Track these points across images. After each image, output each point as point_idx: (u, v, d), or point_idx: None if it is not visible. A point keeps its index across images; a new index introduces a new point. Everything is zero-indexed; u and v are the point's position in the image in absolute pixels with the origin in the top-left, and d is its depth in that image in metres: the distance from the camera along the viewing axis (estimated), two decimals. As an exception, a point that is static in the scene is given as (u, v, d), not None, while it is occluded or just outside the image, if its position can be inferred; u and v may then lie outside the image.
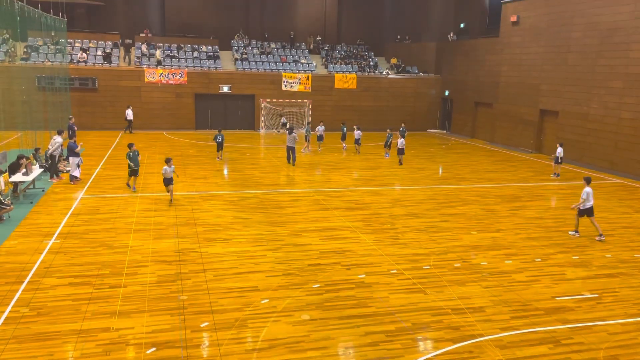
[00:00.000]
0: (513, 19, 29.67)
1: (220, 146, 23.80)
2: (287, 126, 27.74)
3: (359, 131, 27.09)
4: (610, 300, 10.06)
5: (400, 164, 23.87)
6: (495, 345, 8.27)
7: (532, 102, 28.49)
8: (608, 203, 17.99)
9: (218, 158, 23.88)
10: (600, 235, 13.77)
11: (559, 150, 22.08)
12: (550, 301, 9.92)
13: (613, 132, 23.30)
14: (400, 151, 24.06)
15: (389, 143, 26.27)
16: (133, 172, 17.54)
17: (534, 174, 22.69)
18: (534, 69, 28.27)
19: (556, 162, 22.24)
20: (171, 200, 16.15)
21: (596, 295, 10.26)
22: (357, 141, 27.00)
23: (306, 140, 27.23)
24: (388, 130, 27.29)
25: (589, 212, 13.81)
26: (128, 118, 31.98)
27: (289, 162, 23.46)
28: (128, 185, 17.73)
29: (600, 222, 15.44)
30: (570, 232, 14.32)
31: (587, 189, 13.72)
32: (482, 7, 36.87)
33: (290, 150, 23.09)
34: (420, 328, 8.75)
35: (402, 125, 28.10)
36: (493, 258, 12.18)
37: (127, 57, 34.63)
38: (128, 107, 31.99)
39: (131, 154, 17.42)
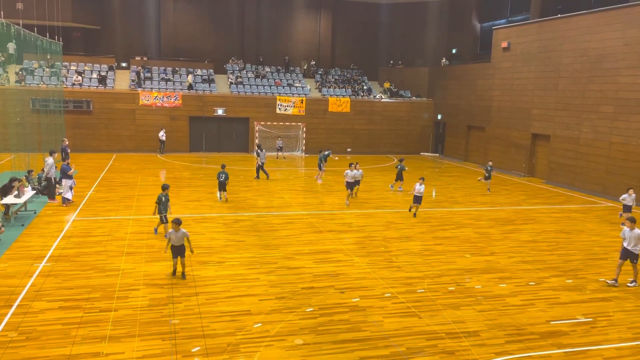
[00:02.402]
0: (504, 44, 30.17)
1: (223, 186, 19.71)
2: (257, 145, 27.92)
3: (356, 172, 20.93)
4: (605, 325, 10.02)
5: (413, 213, 18.78)
6: (490, 370, 8.19)
7: (524, 126, 28.78)
8: (600, 227, 18.06)
9: (220, 199, 19.86)
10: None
11: (630, 197, 18.12)
12: (545, 325, 9.87)
13: (604, 156, 23.53)
14: (417, 199, 18.37)
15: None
16: (162, 219, 14.76)
17: (526, 197, 22.79)
18: (525, 93, 28.64)
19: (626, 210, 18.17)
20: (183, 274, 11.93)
21: (591, 319, 10.22)
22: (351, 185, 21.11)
23: (320, 169, 25.39)
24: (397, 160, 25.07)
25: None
26: (161, 139, 32.94)
27: (265, 177, 25.10)
28: (155, 231, 15.09)
29: (592, 246, 15.49)
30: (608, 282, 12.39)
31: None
32: (474, 33, 37.51)
33: (260, 169, 25.08)
34: (415, 353, 8.66)
35: (489, 163, 24.10)
36: (487, 281, 12.15)
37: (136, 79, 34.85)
38: (162, 129, 33.13)
39: (163, 198, 14.67)
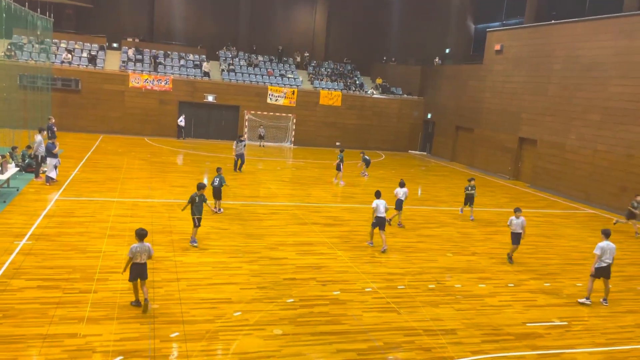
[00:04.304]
0: (497, 47, 30.33)
1: (217, 193, 16.37)
2: (239, 135, 25.90)
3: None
4: (579, 329, 10.21)
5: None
6: (465, 368, 8.31)
7: (512, 130, 29.03)
8: (581, 233, 18.32)
9: (215, 209, 16.31)
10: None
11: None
12: (521, 327, 10.03)
13: (589, 164, 23.83)
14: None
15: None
16: (195, 222, 13.03)
17: (509, 200, 23.02)
18: (515, 97, 28.86)
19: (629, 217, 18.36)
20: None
21: (566, 323, 10.40)
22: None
23: (338, 170, 23.29)
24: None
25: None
26: (180, 124, 33.21)
27: (235, 170, 23.53)
28: (194, 241, 13.10)
29: (571, 251, 15.73)
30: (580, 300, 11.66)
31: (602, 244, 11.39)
32: (468, 34, 37.63)
33: (240, 158, 23.54)
34: (392, 348, 8.75)
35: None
36: (467, 281, 12.29)
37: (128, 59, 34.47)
38: (181, 115, 33.30)
39: (197, 197, 12.98)
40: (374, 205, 13.97)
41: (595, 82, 23.72)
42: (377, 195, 14.32)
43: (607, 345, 9.59)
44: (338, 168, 23.29)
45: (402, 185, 16.71)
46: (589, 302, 11.42)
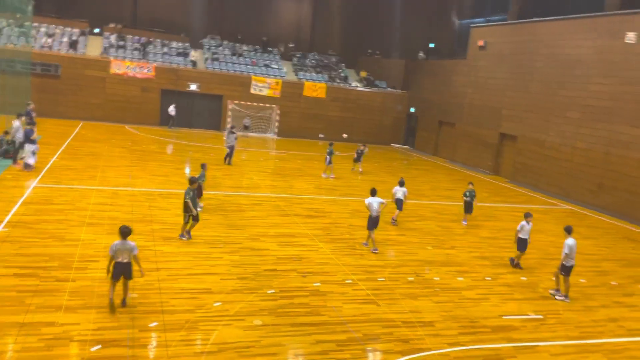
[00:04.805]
0: (480, 43, 30.53)
1: (199, 190, 14.66)
2: (231, 126, 24.86)
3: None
4: (554, 322, 10.42)
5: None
6: (442, 359, 8.44)
7: (493, 125, 29.32)
8: (558, 228, 18.63)
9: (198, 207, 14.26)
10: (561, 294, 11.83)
11: None
12: (497, 319, 10.21)
13: (567, 160, 24.21)
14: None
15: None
16: (194, 218, 12.80)
17: (489, 195, 23.30)
18: (497, 93, 29.13)
19: None
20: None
21: (541, 317, 10.61)
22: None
23: (328, 164, 22.95)
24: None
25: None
26: (171, 114, 32.89)
27: (225, 162, 23.24)
28: (187, 233, 12.82)
29: (549, 246, 16.00)
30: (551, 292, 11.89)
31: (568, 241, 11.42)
32: (452, 30, 37.82)
33: (230, 150, 23.17)
34: (371, 339, 8.84)
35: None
36: (446, 274, 12.44)
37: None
38: (173, 104, 33.00)
39: (191, 193, 12.69)
40: (366, 203, 13.63)
41: (576, 80, 24.06)
42: (372, 192, 13.87)
43: (581, 339, 9.82)
44: (328, 162, 22.81)
45: (401, 184, 16.58)
46: (564, 298, 11.64)
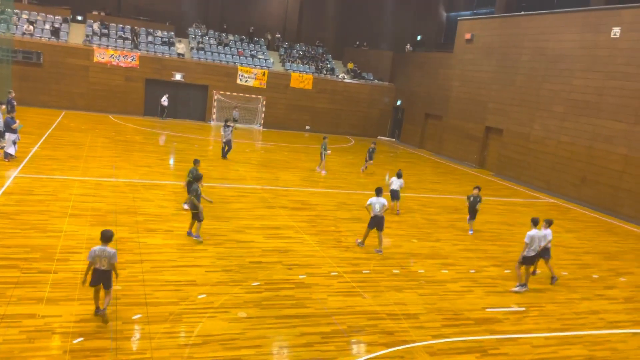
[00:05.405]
0: (467, 36, 30.60)
1: (189, 186, 13.79)
2: (225, 120, 24.01)
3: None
4: (536, 315, 10.54)
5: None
6: (426, 351, 8.49)
7: (479, 119, 29.47)
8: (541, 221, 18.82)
9: (185, 205, 14.46)
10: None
11: None
12: (481, 312, 10.29)
13: (551, 154, 24.45)
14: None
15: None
16: (196, 216, 12.23)
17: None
18: (483, 86, 29.26)
19: None
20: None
21: (524, 309, 10.73)
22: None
23: (322, 159, 22.41)
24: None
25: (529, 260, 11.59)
26: (163, 104, 32.83)
27: (223, 157, 22.84)
28: (190, 233, 12.42)
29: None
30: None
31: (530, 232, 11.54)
32: (439, 22, 37.85)
33: (227, 144, 22.71)
34: (355, 331, 8.87)
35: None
36: (430, 267, 12.51)
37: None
38: (165, 95, 33.05)
39: (199, 189, 12.32)
40: (368, 203, 13.00)
41: (560, 74, 24.25)
42: (378, 192, 13.12)
43: (563, 331, 9.95)
44: (323, 157, 22.28)
45: (399, 176, 16.79)
46: (525, 289, 11.62)
